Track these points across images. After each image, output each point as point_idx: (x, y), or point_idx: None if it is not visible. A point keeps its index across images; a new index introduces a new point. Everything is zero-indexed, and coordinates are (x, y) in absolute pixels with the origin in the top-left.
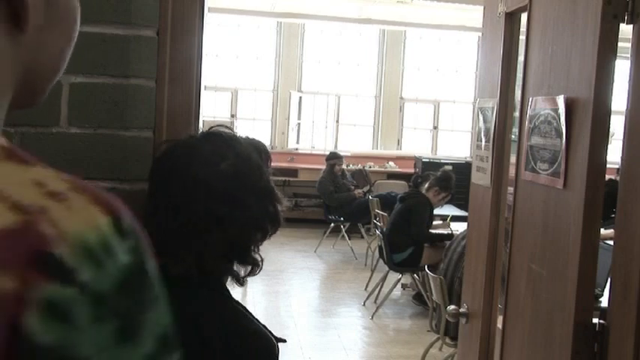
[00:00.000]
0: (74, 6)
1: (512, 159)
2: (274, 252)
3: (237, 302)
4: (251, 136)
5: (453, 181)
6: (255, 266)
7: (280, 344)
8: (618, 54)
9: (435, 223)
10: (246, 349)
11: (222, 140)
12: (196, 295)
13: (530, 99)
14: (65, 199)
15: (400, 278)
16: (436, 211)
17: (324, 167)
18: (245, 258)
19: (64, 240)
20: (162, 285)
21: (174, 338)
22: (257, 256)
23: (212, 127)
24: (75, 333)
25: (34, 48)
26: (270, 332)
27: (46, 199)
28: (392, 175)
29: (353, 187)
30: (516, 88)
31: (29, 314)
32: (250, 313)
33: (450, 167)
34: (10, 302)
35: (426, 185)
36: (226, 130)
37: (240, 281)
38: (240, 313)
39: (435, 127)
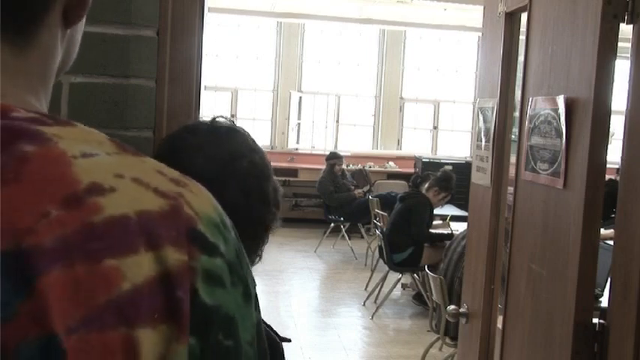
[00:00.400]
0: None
1: (512, 159)
2: (274, 252)
3: None
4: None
5: (453, 181)
6: (255, 258)
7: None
8: (618, 54)
9: (435, 223)
10: None
11: (232, 136)
12: None
13: (530, 99)
14: (185, 184)
15: (400, 278)
16: (436, 211)
17: (324, 167)
18: (257, 254)
19: (200, 219)
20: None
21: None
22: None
23: (214, 119)
24: (226, 295)
25: (68, 40)
26: (275, 332)
27: (174, 186)
28: (392, 175)
29: (353, 187)
30: (516, 88)
31: (199, 281)
32: None
33: (450, 167)
34: (186, 271)
35: (426, 185)
36: (227, 122)
37: None
38: None
39: (435, 127)
